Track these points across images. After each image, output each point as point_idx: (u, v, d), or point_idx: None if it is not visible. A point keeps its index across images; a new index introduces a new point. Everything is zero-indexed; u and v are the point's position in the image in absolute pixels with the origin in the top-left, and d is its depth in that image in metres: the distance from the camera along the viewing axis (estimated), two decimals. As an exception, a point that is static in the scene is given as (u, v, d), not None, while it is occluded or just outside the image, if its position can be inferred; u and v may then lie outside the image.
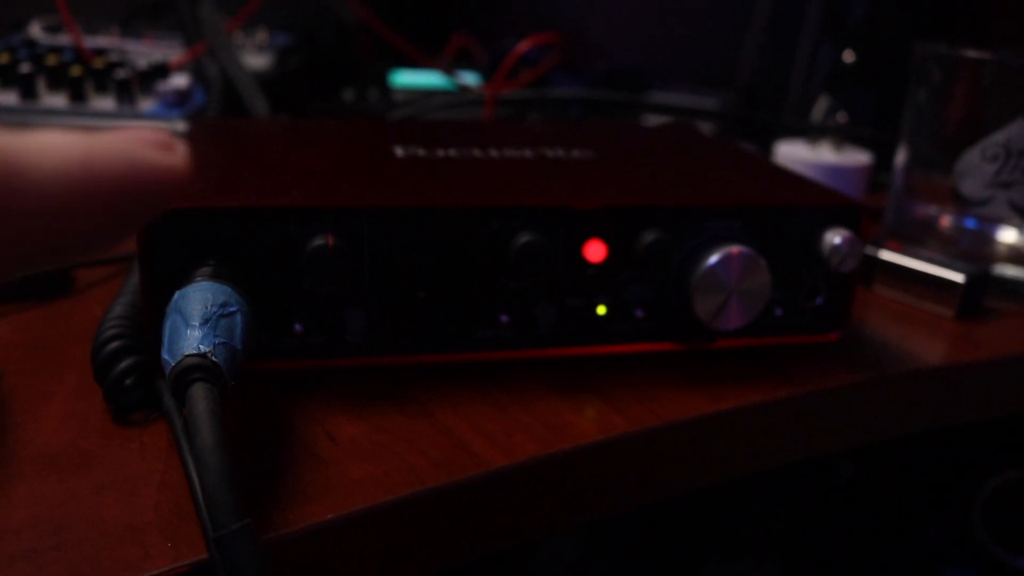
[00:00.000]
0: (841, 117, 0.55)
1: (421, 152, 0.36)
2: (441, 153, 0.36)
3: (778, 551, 0.63)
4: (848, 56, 0.61)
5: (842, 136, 0.55)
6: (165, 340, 0.25)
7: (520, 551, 0.63)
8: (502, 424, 0.28)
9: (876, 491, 0.64)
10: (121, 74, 0.55)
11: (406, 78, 0.74)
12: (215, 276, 0.26)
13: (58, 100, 0.54)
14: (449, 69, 0.71)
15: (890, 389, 0.35)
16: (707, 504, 0.64)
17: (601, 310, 0.31)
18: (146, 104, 0.55)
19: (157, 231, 0.27)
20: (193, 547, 0.22)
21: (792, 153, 0.55)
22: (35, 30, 0.66)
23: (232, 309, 0.25)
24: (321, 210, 0.28)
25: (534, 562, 0.64)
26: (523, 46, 0.55)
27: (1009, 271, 0.43)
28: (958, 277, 0.40)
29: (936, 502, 0.63)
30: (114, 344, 0.28)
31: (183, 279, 0.26)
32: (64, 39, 0.66)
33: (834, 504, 0.64)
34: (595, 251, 0.31)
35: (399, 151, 0.36)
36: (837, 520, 0.64)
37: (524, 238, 0.29)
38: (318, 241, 0.28)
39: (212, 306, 0.25)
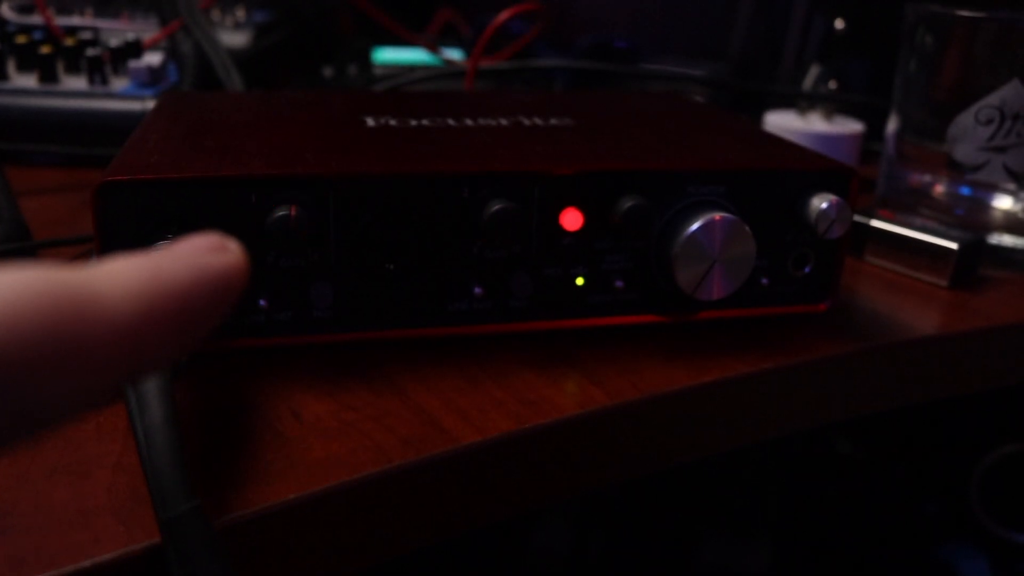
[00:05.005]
0: (831, 85, 0.54)
1: (393, 122, 0.35)
2: (413, 123, 0.35)
3: (773, 528, 0.62)
4: (839, 23, 0.60)
5: (833, 104, 0.54)
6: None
7: (515, 532, 0.62)
8: (475, 400, 0.27)
9: (872, 467, 0.63)
10: (92, 52, 0.53)
11: (389, 55, 0.73)
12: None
13: (28, 80, 0.53)
14: (433, 45, 0.69)
15: (881, 360, 0.34)
16: (701, 482, 0.63)
17: (579, 281, 0.30)
18: (119, 83, 0.54)
19: (109, 204, 0.26)
20: (147, 530, 0.21)
21: (781, 123, 0.53)
22: (5, 10, 0.64)
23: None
24: (283, 179, 0.27)
25: (529, 543, 0.63)
26: (504, 15, 0.54)
27: (1005, 239, 0.42)
28: (951, 245, 0.39)
29: (933, 478, 0.62)
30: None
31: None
32: (36, 19, 0.64)
33: (830, 480, 0.63)
34: (572, 219, 0.29)
35: (370, 121, 0.35)
36: (833, 496, 0.63)
37: (497, 205, 0.28)
38: (281, 212, 0.26)
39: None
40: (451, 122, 0.35)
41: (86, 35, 0.59)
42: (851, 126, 0.54)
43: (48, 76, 0.53)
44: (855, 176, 0.32)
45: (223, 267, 0.15)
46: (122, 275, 0.13)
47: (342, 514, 0.23)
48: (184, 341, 0.14)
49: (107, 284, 0.13)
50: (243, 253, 0.15)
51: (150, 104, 0.51)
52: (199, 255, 0.15)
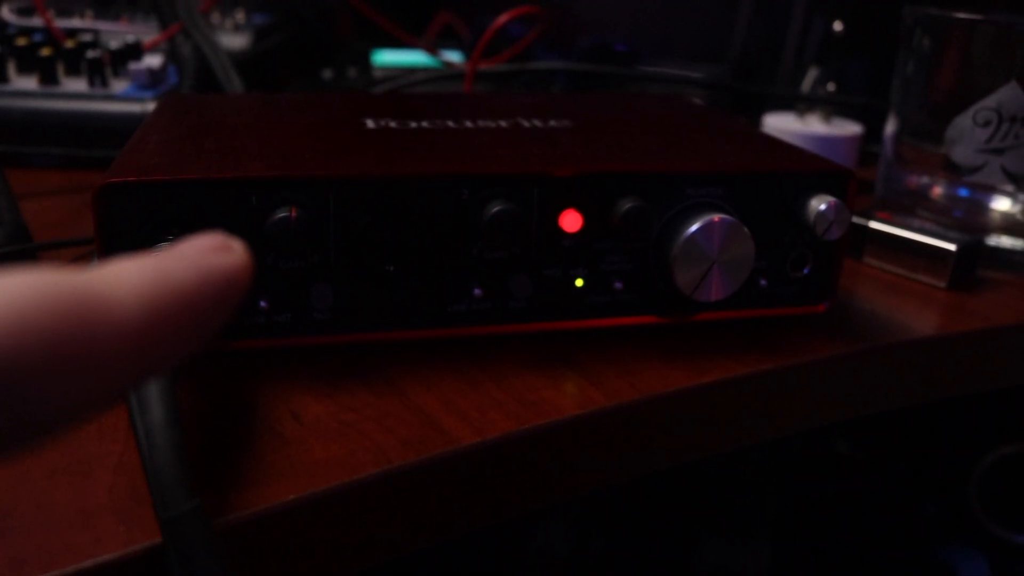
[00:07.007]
0: (829, 87, 0.54)
1: (392, 124, 0.35)
2: (413, 125, 0.35)
3: (773, 528, 0.63)
4: (837, 25, 0.60)
5: (831, 106, 0.54)
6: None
7: (515, 533, 0.62)
8: (475, 401, 0.27)
9: (871, 468, 0.63)
10: (92, 54, 0.53)
11: (389, 57, 0.73)
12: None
13: (29, 82, 0.53)
14: (433, 48, 0.69)
15: (879, 361, 0.34)
16: (701, 482, 0.63)
17: (578, 282, 0.30)
18: (119, 85, 0.54)
19: (110, 206, 0.26)
20: (147, 531, 0.21)
21: (780, 125, 0.53)
22: (5, 12, 0.65)
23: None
24: (283, 181, 0.27)
25: (529, 544, 0.63)
26: (504, 17, 0.54)
27: (1003, 241, 0.42)
28: (949, 246, 0.39)
29: (932, 478, 0.62)
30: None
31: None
32: (36, 21, 0.64)
33: (829, 480, 0.64)
34: (571, 220, 0.29)
35: (370, 123, 0.35)
36: (832, 497, 0.63)
37: (496, 207, 0.28)
38: (281, 214, 0.27)
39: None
40: (450, 124, 0.35)
41: (86, 37, 0.59)
42: (849, 128, 0.54)
43: (48, 78, 0.53)
44: (853, 178, 0.32)
45: (228, 267, 0.15)
46: (128, 276, 0.13)
47: (342, 515, 0.24)
48: (190, 342, 0.14)
49: (113, 286, 0.13)
50: (247, 252, 0.15)
51: (150, 106, 0.51)
52: (204, 255, 0.15)
